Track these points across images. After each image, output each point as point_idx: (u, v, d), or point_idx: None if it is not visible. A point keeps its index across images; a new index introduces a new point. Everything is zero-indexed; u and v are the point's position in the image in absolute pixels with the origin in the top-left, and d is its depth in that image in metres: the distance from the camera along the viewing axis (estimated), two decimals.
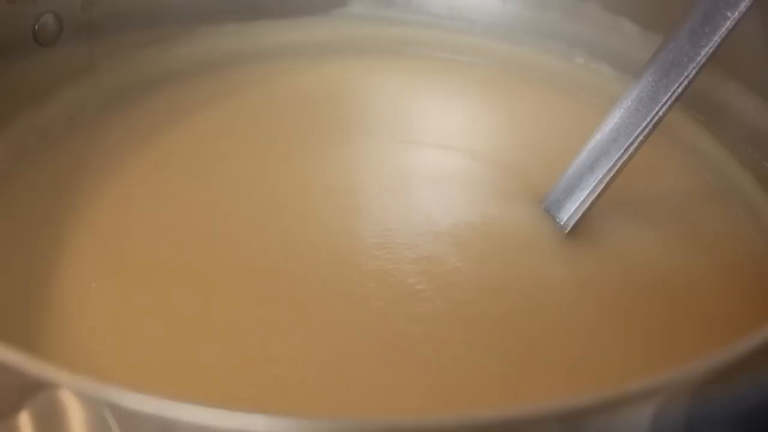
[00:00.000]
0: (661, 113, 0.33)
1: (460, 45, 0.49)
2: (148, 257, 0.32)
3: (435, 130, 0.41)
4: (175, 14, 0.45)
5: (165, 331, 0.29)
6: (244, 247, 0.33)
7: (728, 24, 0.33)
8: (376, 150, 0.40)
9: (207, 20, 0.46)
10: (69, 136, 0.38)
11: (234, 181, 0.37)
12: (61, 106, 0.40)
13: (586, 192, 0.34)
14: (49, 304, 0.30)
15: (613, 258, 0.34)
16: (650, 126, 0.33)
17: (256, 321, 0.30)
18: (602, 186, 0.34)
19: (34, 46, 0.41)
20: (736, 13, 0.33)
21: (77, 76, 0.41)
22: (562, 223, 0.35)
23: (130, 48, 0.43)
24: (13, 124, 0.38)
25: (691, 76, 0.33)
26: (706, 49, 0.33)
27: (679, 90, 0.33)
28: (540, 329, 0.30)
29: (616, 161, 0.34)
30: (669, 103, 0.33)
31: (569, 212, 0.35)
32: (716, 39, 0.33)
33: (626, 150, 0.34)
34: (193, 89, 0.42)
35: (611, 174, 0.34)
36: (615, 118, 0.34)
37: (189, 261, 0.32)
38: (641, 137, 0.33)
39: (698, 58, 0.33)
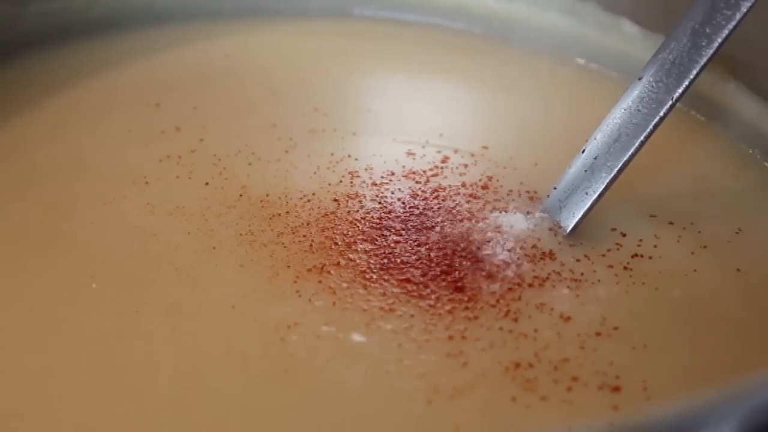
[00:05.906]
0: (662, 113, 0.33)
1: (460, 44, 0.49)
2: None
3: (436, 130, 0.41)
4: None
5: None
6: None
7: (729, 24, 0.33)
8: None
9: None
10: None
11: None
12: None
13: (587, 192, 0.34)
14: None
15: (613, 259, 0.34)
16: (651, 126, 0.33)
17: None
18: (603, 186, 0.34)
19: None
20: (737, 13, 0.33)
21: None
22: (562, 224, 0.35)
23: None
24: None
25: (691, 76, 0.33)
26: (707, 49, 0.33)
27: (680, 90, 0.33)
28: (540, 330, 0.30)
29: (617, 162, 0.34)
30: (670, 103, 0.33)
31: (569, 213, 0.34)
32: (717, 39, 0.33)
33: (627, 150, 0.34)
34: None
35: (612, 174, 0.34)
36: (616, 118, 0.34)
37: None
38: (642, 137, 0.33)
39: (699, 59, 0.33)
